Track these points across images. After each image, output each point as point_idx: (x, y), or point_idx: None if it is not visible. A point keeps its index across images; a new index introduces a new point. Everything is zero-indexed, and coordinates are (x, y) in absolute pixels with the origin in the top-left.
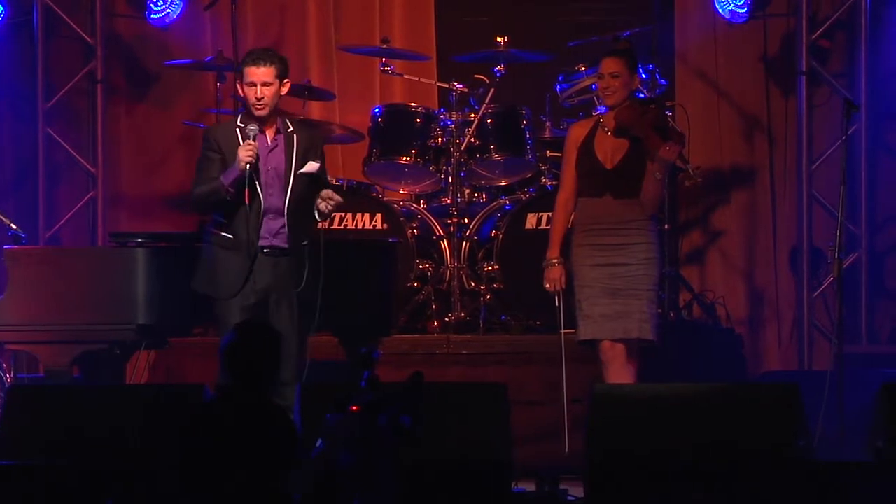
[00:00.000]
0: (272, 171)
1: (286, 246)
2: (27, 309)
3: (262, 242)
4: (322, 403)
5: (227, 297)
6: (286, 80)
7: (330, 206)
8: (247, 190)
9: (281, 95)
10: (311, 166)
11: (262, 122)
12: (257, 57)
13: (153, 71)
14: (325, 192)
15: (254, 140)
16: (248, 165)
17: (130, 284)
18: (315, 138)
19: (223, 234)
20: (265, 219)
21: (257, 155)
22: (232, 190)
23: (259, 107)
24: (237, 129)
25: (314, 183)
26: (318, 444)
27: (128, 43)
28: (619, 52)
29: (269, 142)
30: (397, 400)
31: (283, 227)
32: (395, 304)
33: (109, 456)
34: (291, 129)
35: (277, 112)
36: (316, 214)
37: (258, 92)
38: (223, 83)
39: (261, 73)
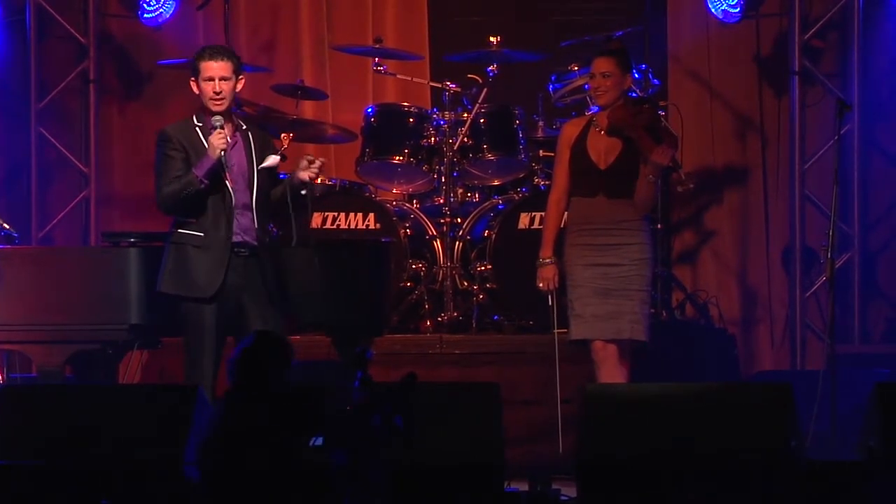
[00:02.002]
0: (236, 168)
1: (255, 243)
2: (20, 309)
3: (234, 239)
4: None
5: (207, 295)
6: (241, 77)
7: (315, 170)
8: (227, 174)
9: (236, 92)
10: (273, 159)
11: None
12: (214, 52)
13: (146, 70)
14: (303, 162)
15: (221, 129)
16: (223, 152)
17: (123, 284)
18: (265, 135)
19: (193, 232)
20: (235, 216)
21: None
22: (207, 181)
23: (217, 101)
24: (196, 128)
25: (271, 178)
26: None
27: (120, 43)
28: (611, 51)
29: (229, 139)
30: (390, 400)
31: (251, 223)
32: (388, 303)
33: (103, 456)
34: (245, 126)
35: (232, 110)
36: (300, 188)
37: (216, 86)
38: None
39: (218, 68)
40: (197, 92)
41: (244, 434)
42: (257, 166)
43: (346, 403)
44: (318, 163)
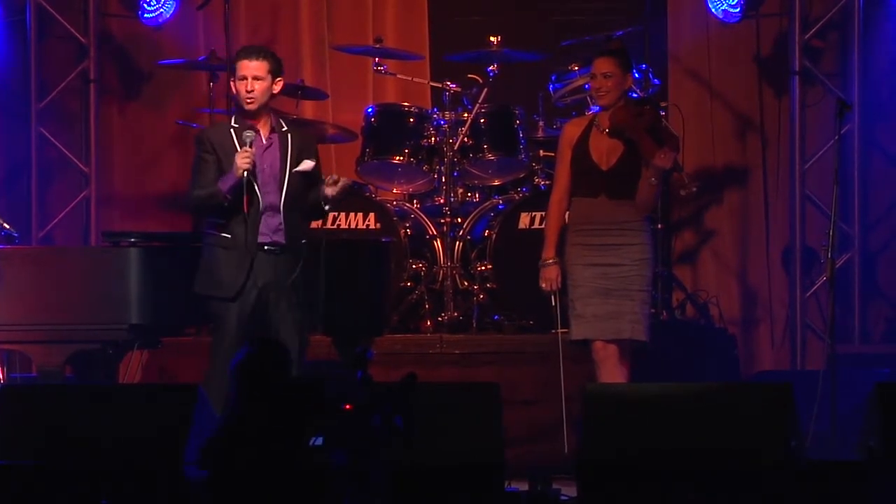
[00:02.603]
0: (268, 170)
1: (284, 243)
2: (20, 308)
3: (261, 239)
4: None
5: (229, 296)
6: (279, 79)
7: (337, 189)
8: (245, 197)
9: (274, 94)
10: (306, 164)
11: (254, 117)
12: (250, 51)
13: (146, 70)
14: (329, 178)
15: (250, 146)
16: (245, 173)
17: (123, 284)
18: (309, 138)
19: (221, 234)
20: (263, 216)
21: (254, 161)
22: (230, 197)
23: (249, 100)
24: (231, 130)
25: (308, 182)
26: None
27: (121, 42)
28: (612, 51)
29: (264, 140)
30: (390, 400)
31: (280, 224)
32: (388, 303)
33: (103, 456)
34: (286, 128)
35: (271, 111)
36: (323, 202)
37: (248, 85)
38: (216, 83)
39: (252, 67)
40: (234, 92)
41: (245, 435)
42: (290, 169)
43: (343, 399)
44: (341, 183)
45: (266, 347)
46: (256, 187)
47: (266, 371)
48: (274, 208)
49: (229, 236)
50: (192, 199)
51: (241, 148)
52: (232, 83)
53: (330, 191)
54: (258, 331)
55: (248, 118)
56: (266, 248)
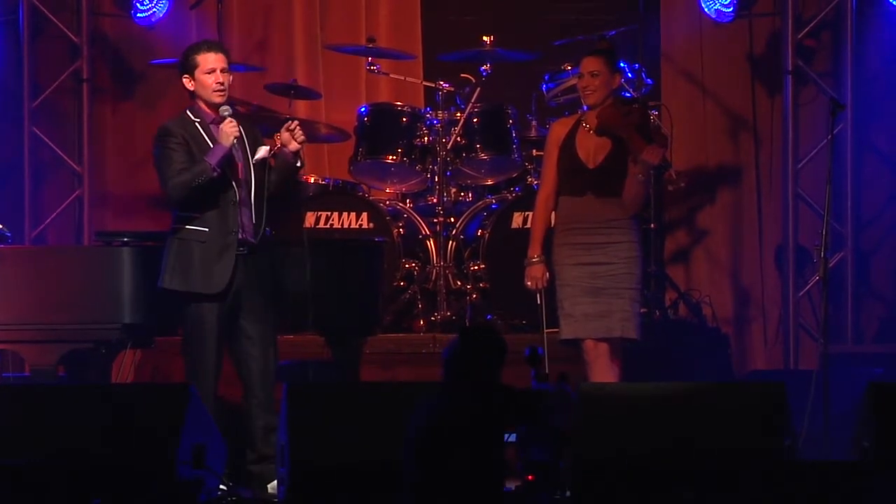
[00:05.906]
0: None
1: (254, 240)
2: (13, 308)
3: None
4: (310, 403)
5: (214, 292)
6: (231, 72)
7: (299, 135)
8: (240, 164)
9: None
10: (263, 151)
11: (216, 110)
12: (212, 44)
13: (139, 70)
14: (284, 134)
15: (231, 119)
16: (235, 140)
17: (116, 283)
18: (255, 129)
19: (198, 228)
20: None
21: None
22: (220, 170)
23: (221, 91)
24: (195, 122)
25: (265, 172)
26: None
27: (114, 42)
28: (599, 51)
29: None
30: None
31: (250, 220)
32: (381, 303)
33: (96, 455)
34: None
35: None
36: (294, 161)
37: (219, 77)
38: None
39: (219, 60)
40: (192, 88)
41: (464, 428)
42: (251, 160)
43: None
44: (293, 124)
45: (479, 338)
46: (232, 174)
47: (476, 363)
48: (244, 203)
49: (207, 230)
50: (177, 184)
51: (222, 122)
52: (188, 80)
53: (293, 143)
54: (227, 332)
55: (213, 108)
56: (238, 245)
